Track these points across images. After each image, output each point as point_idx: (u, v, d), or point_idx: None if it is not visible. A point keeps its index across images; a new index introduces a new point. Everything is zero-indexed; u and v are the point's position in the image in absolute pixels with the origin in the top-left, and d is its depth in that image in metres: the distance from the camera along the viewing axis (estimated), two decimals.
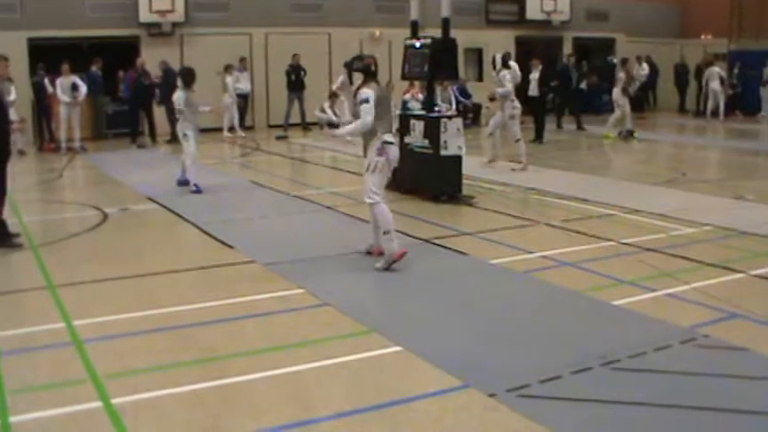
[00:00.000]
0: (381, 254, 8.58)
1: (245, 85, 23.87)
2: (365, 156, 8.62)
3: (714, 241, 9.69)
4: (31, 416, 5.13)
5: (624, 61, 22.23)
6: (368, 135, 8.48)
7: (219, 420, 5.05)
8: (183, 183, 13.74)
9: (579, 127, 23.55)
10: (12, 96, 18.80)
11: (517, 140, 15.64)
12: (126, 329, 6.77)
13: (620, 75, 21.38)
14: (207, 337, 6.59)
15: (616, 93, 21.04)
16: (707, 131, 24.52)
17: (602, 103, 29.55)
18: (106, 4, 22.89)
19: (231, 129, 22.89)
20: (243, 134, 22.67)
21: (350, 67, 8.68)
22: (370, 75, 8.54)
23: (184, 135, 13.53)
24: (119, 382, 5.64)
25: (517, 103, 15.69)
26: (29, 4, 21.84)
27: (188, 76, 13.65)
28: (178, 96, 13.45)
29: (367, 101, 8.26)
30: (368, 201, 8.48)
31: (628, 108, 21.06)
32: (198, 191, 13.36)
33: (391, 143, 8.53)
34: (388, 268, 8.41)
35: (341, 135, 8.55)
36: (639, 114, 28.03)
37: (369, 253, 8.96)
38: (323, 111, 23.57)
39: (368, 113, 8.23)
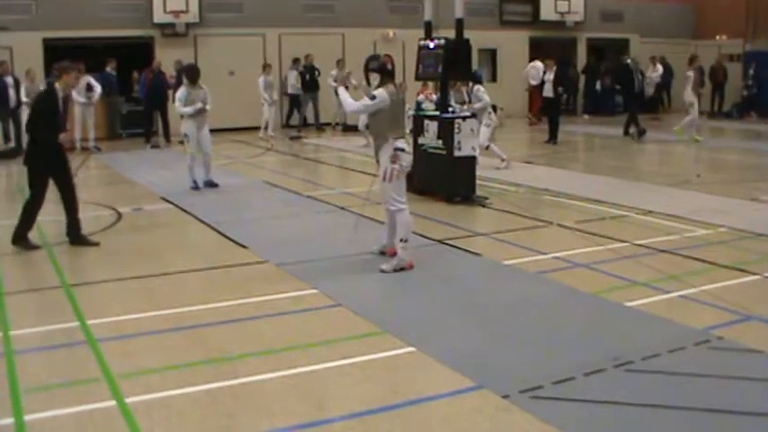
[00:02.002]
0: (394, 254, 8.57)
1: (297, 85, 24.01)
2: (377, 161, 8.63)
3: (728, 243, 9.65)
4: (46, 414, 5.15)
5: (692, 59, 21.81)
6: (380, 139, 8.49)
7: (232, 420, 5.06)
8: (209, 183, 13.86)
9: (640, 134, 21.59)
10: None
11: (486, 147, 15.67)
12: (140, 329, 6.80)
13: (689, 74, 21.00)
14: (220, 337, 6.61)
15: (688, 94, 20.60)
16: (722, 133, 24.43)
17: (614, 105, 29.53)
18: (120, 4, 23.00)
19: (266, 128, 22.88)
20: (262, 135, 22.60)
21: (366, 67, 8.60)
22: (386, 74, 8.47)
23: (185, 135, 13.71)
24: (132, 381, 5.66)
25: (493, 116, 16.10)
26: (44, 4, 21.97)
27: (192, 73, 13.78)
28: (180, 93, 13.61)
29: (373, 98, 8.30)
30: (391, 208, 8.46)
31: (696, 108, 20.64)
32: (195, 187, 13.66)
33: (403, 149, 8.46)
34: (394, 271, 8.42)
35: (341, 96, 8.65)
36: (653, 115, 27.99)
37: (382, 253, 8.96)
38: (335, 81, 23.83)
39: (361, 105, 8.43)
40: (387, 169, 8.42)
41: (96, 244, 9.89)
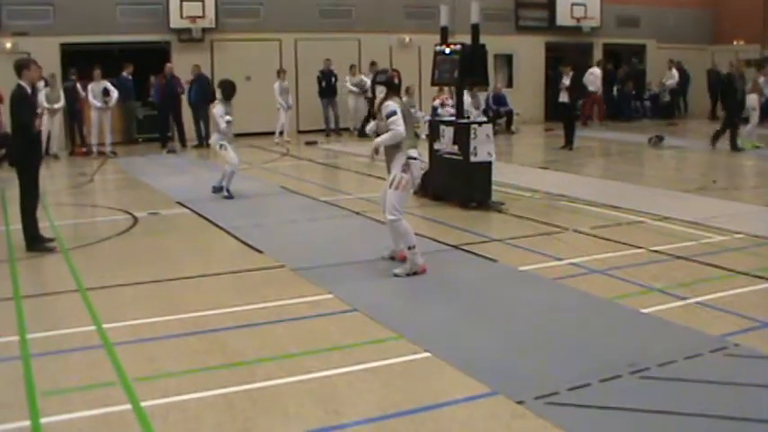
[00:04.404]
0: (404, 258, 8.61)
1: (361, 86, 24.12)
2: (389, 171, 8.64)
3: (746, 249, 9.60)
4: (62, 417, 5.18)
5: (762, 63, 21.39)
6: (392, 149, 8.49)
7: (248, 424, 5.07)
8: (219, 189, 13.73)
9: (734, 146, 19.87)
10: (60, 103, 19.32)
11: None
12: (156, 333, 6.83)
13: (762, 79, 20.69)
14: (236, 342, 6.63)
15: (753, 99, 20.13)
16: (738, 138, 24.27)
17: (631, 111, 29.44)
18: (137, 10, 23.10)
19: (281, 133, 22.90)
20: (277, 140, 22.61)
21: (373, 80, 8.80)
22: (393, 88, 8.61)
23: (221, 146, 13.51)
24: (148, 385, 5.68)
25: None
26: (61, 10, 22.08)
27: (229, 90, 13.56)
28: (218, 110, 13.42)
29: (395, 113, 8.32)
30: (390, 217, 8.43)
31: (758, 114, 20.16)
32: (229, 197, 13.39)
33: (415, 159, 8.50)
34: (408, 275, 8.45)
35: (378, 144, 8.60)
36: (669, 121, 27.91)
37: (392, 258, 9.00)
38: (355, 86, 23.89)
39: (398, 124, 8.29)
40: (396, 177, 8.45)
41: (51, 250, 9.91)
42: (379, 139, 8.51)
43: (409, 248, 8.47)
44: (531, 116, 27.76)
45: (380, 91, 8.60)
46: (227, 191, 13.50)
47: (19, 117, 9.66)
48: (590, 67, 26.78)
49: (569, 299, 7.74)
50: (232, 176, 13.54)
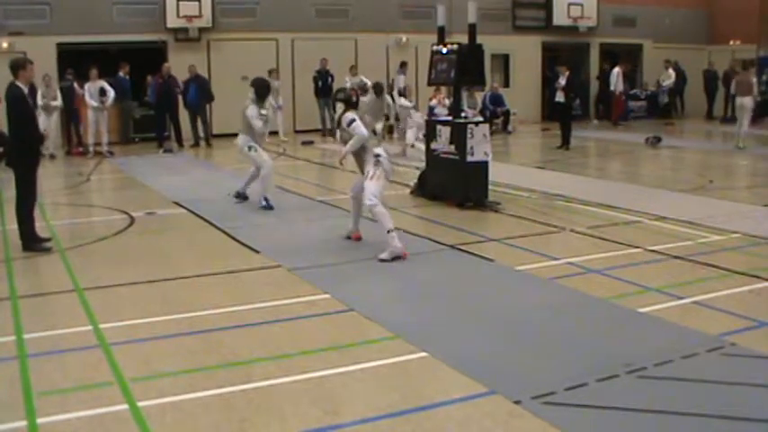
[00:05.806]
0: (359, 238, 9.97)
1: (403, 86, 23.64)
2: (361, 171, 9.71)
3: (742, 249, 9.60)
4: (59, 417, 5.17)
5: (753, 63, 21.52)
6: (361, 152, 9.59)
7: (245, 424, 5.07)
8: (242, 196, 13.08)
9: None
10: (57, 101, 19.30)
11: (412, 146, 18.21)
12: (152, 333, 6.82)
13: (754, 80, 20.74)
14: (233, 341, 6.62)
15: (749, 101, 20.21)
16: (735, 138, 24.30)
17: (629, 110, 29.46)
18: (134, 9, 23.09)
19: (275, 133, 22.71)
20: (268, 140, 22.49)
21: (333, 97, 9.96)
22: (350, 104, 9.75)
23: (250, 147, 12.62)
24: (145, 385, 5.68)
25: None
26: (58, 10, 22.06)
27: (263, 90, 12.78)
28: (252, 111, 12.48)
29: (354, 120, 9.46)
30: (368, 203, 9.28)
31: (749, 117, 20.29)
32: (268, 207, 12.37)
33: (381, 155, 9.50)
34: (392, 260, 9.00)
35: (346, 152, 9.58)
36: (666, 121, 27.93)
37: (348, 237, 10.11)
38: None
39: (360, 128, 9.39)
40: (371, 170, 9.45)
41: (47, 250, 9.91)
42: (346, 147, 9.58)
43: (388, 232, 9.11)
44: (528, 116, 27.80)
45: (340, 107, 9.73)
46: (265, 200, 12.43)
47: (20, 117, 9.62)
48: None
49: (566, 298, 7.73)
50: (267, 179, 12.67)
